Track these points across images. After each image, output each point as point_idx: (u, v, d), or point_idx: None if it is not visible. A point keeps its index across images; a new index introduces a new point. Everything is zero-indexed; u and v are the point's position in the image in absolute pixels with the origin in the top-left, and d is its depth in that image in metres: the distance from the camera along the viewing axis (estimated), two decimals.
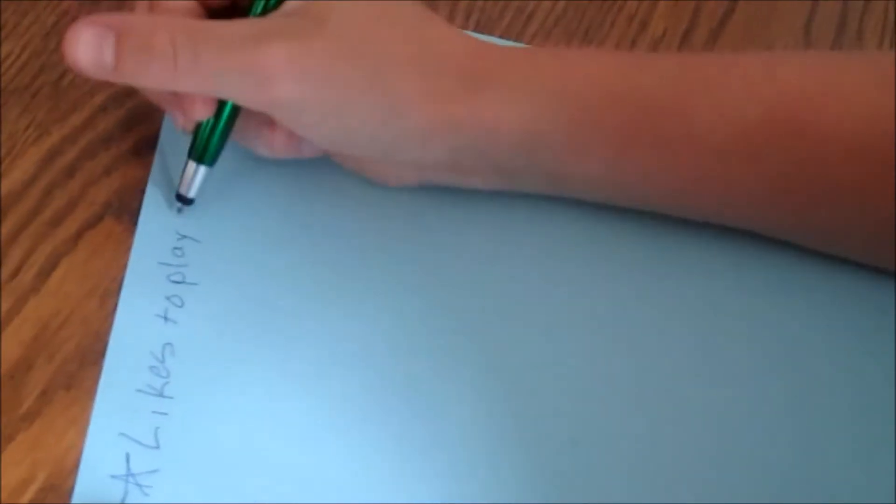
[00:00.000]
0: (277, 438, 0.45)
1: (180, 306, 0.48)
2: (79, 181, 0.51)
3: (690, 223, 0.51)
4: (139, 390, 0.45)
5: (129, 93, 0.54)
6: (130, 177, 0.51)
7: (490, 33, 0.59)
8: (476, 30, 0.59)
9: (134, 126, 0.53)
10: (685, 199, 0.50)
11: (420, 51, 0.47)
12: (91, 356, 0.46)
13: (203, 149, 0.49)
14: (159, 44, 0.44)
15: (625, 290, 0.51)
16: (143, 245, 0.49)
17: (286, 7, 0.46)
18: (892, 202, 0.47)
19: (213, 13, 0.48)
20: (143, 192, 0.51)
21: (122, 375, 0.46)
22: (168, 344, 0.47)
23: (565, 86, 0.48)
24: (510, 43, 0.59)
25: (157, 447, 0.44)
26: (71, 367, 0.46)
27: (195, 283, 0.48)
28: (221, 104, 0.48)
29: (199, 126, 0.48)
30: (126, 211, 0.50)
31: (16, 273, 0.48)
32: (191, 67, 0.44)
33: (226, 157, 0.50)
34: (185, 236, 0.50)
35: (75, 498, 0.43)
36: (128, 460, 0.44)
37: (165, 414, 0.45)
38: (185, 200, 0.50)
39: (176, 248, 0.49)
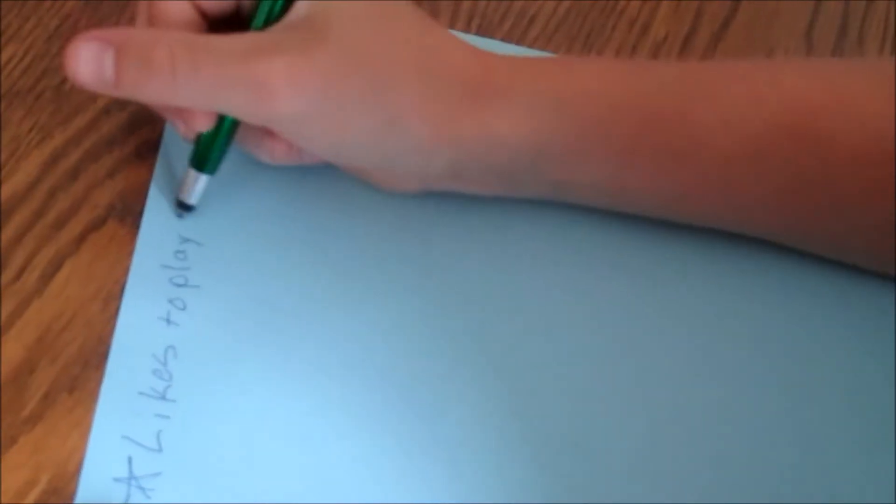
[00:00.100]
0: (279, 441, 0.45)
1: (183, 309, 0.48)
2: (82, 184, 0.51)
3: (692, 228, 0.52)
4: (142, 393, 0.45)
5: None
6: (133, 179, 0.52)
7: (491, 37, 0.59)
8: (478, 34, 0.59)
9: (137, 129, 0.53)
10: (688, 205, 0.50)
11: (422, 64, 0.47)
12: (94, 359, 0.46)
13: (204, 158, 0.49)
14: (158, 58, 0.44)
15: (626, 293, 0.51)
16: (146, 248, 0.49)
17: (287, 20, 0.46)
18: (893, 210, 0.47)
19: (214, 26, 0.48)
20: (146, 194, 0.51)
21: (124, 378, 0.46)
22: (170, 347, 0.47)
23: (568, 96, 0.48)
24: (512, 47, 0.59)
25: (160, 450, 0.44)
26: (74, 370, 0.46)
27: (198, 286, 0.49)
28: (222, 115, 0.48)
29: (200, 135, 0.48)
30: (129, 213, 0.50)
31: (19, 275, 0.48)
32: (190, 82, 0.44)
33: (228, 161, 0.50)
34: (187, 239, 0.50)
35: (78, 500, 0.43)
36: (130, 463, 0.44)
37: (168, 417, 0.45)
38: (185, 207, 0.50)
39: (178, 251, 0.49)
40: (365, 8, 0.47)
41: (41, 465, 0.44)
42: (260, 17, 0.47)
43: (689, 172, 0.49)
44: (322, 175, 0.52)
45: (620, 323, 0.50)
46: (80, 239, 0.50)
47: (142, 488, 0.43)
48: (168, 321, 0.47)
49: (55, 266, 0.49)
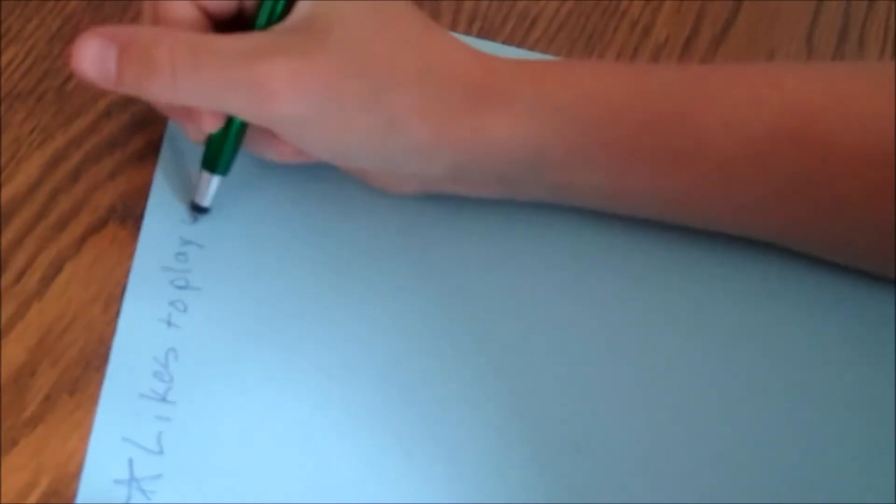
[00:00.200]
0: (281, 443, 0.45)
1: (184, 311, 0.48)
2: (83, 185, 0.51)
3: (692, 230, 0.52)
4: (142, 395, 0.45)
5: (134, 98, 0.53)
6: (135, 181, 0.52)
7: (493, 39, 0.59)
8: (479, 36, 0.59)
9: (138, 131, 0.53)
10: (688, 208, 0.50)
11: (423, 66, 0.47)
12: (95, 361, 0.46)
13: (215, 159, 0.49)
14: (159, 57, 0.44)
15: (627, 295, 0.51)
16: (147, 250, 0.49)
17: (289, 21, 0.46)
18: (894, 213, 0.47)
19: (218, 26, 0.48)
20: (147, 196, 0.51)
21: (125, 380, 0.46)
22: (171, 349, 0.47)
23: (569, 100, 0.48)
24: (513, 49, 0.59)
25: (161, 452, 0.44)
26: (75, 372, 0.46)
27: (198, 288, 0.49)
28: (231, 116, 0.48)
29: (210, 137, 0.48)
30: (130, 215, 0.50)
31: (20, 277, 0.48)
32: (190, 82, 0.44)
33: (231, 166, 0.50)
34: (188, 241, 0.50)
35: (79, 502, 0.43)
36: (131, 465, 0.44)
37: (168, 419, 0.45)
38: (200, 209, 0.50)
39: (179, 252, 0.49)
40: (366, 9, 0.47)
41: (42, 467, 0.44)
42: (262, 18, 0.47)
43: (690, 174, 0.49)
44: (322, 177, 0.52)
45: (621, 324, 0.50)
46: (81, 241, 0.50)
47: (142, 490, 0.43)
48: (169, 323, 0.47)
49: (56, 268, 0.49)
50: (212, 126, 0.48)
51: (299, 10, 0.46)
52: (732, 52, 0.61)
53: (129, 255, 0.49)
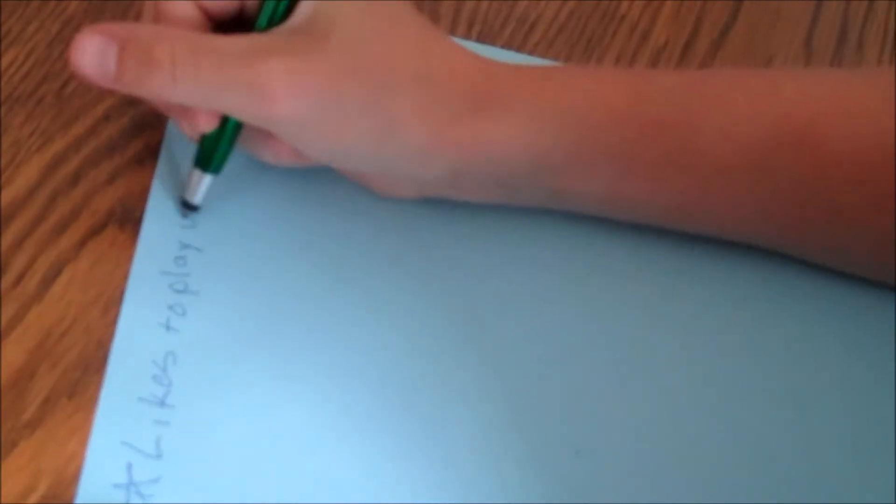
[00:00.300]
0: (279, 447, 0.45)
1: (182, 315, 0.48)
2: (82, 189, 0.51)
3: (691, 235, 0.52)
4: (141, 399, 0.45)
5: (133, 101, 0.54)
6: (134, 185, 0.52)
7: (492, 44, 0.59)
8: (478, 40, 0.59)
9: (137, 134, 0.53)
10: (687, 214, 0.50)
11: (423, 70, 0.47)
12: (94, 364, 0.46)
13: (208, 158, 0.49)
14: (159, 56, 0.44)
15: (627, 301, 0.51)
16: (146, 254, 0.49)
17: (290, 22, 0.46)
18: (892, 221, 0.47)
19: (218, 26, 0.48)
20: (146, 200, 0.51)
21: (124, 384, 0.46)
22: (170, 352, 0.47)
23: (568, 106, 0.48)
24: (512, 54, 0.59)
25: (159, 456, 0.44)
26: (74, 376, 0.46)
27: (197, 292, 0.49)
28: (226, 115, 0.48)
29: (204, 135, 0.48)
30: (129, 219, 0.51)
31: (19, 280, 0.48)
32: (189, 81, 0.44)
33: (228, 167, 0.50)
34: (187, 245, 0.50)
35: None
36: (129, 469, 0.44)
37: (167, 423, 0.45)
38: (190, 207, 0.50)
39: (178, 256, 0.50)
40: (367, 12, 0.47)
41: (41, 471, 0.44)
42: (263, 18, 0.47)
43: (688, 181, 0.49)
44: (322, 181, 0.52)
45: (620, 329, 0.50)
46: (81, 244, 0.50)
47: (141, 494, 0.43)
48: (168, 327, 0.47)
49: (55, 271, 0.49)
50: (207, 125, 0.48)
51: (300, 12, 0.46)
52: (731, 56, 0.61)
53: (129, 259, 0.49)
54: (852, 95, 0.49)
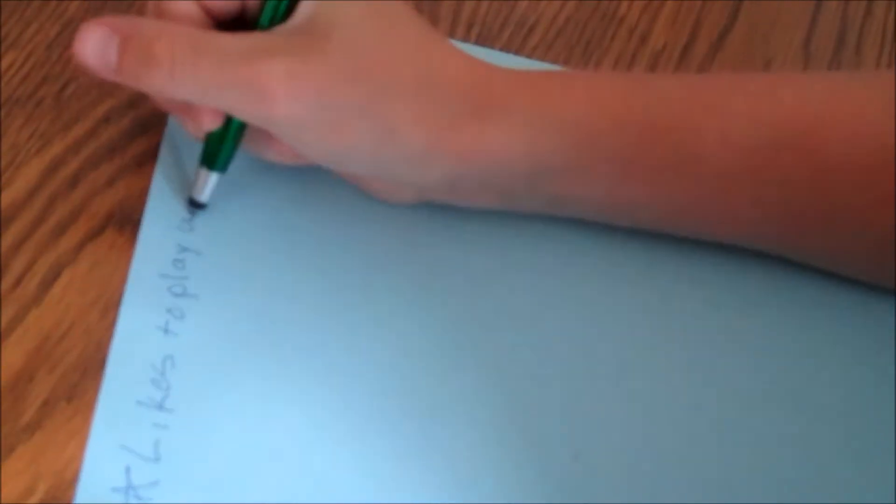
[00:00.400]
0: (278, 451, 0.45)
1: (181, 318, 0.48)
2: (81, 192, 0.51)
3: (690, 240, 0.52)
4: (140, 402, 0.46)
5: (132, 104, 0.54)
6: (133, 188, 0.52)
7: (491, 46, 0.59)
8: (477, 42, 0.59)
9: (136, 137, 0.53)
10: (686, 219, 0.50)
11: (423, 74, 0.47)
12: (93, 367, 0.46)
13: (213, 156, 0.49)
14: (159, 51, 0.44)
15: (626, 305, 0.51)
16: (144, 257, 0.49)
17: (291, 23, 0.46)
18: (892, 225, 0.48)
19: (220, 25, 0.48)
20: (145, 203, 0.51)
21: (122, 387, 0.46)
22: (169, 356, 0.47)
23: (567, 111, 0.48)
24: (511, 56, 0.59)
25: (157, 459, 0.44)
26: (72, 379, 0.46)
27: (196, 296, 0.49)
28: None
29: (210, 134, 0.49)
30: (128, 222, 0.51)
31: (18, 283, 0.48)
32: (188, 78, 0.45)
33: (228, 172, 0.50)
34: (186, 248, 0.50)
35: None
36: (128, 473, 0.44)
37: (165, 426, 0.45)
38: (197, 205, 0.50)
39: (177, 259, 0.50)
40: (369, 15, 0.47)
41: (39, 474, 0.44)
42: (265, 18, 0.47)
43: (688, 186, 0.49)
44: (321, 185, 0.52)
45: (619, 333, 0.50)
46: (80, 247, 0.50)
47: (139, 497, 0.43)
48: (166, 331, 0.47)
49: (54, 274, 0.49)
50: (211, 123, 0.48)
51: (301, 12, 0.46)
52: (730, 59, 0.61)
53: (127, 262, 0.49)
54: (851, 99, 0.49)
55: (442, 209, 0.51)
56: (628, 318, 0.51)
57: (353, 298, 0.50)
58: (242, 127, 0.49)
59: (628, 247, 0.52)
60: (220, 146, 0.49)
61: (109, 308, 0.48)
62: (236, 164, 0.50)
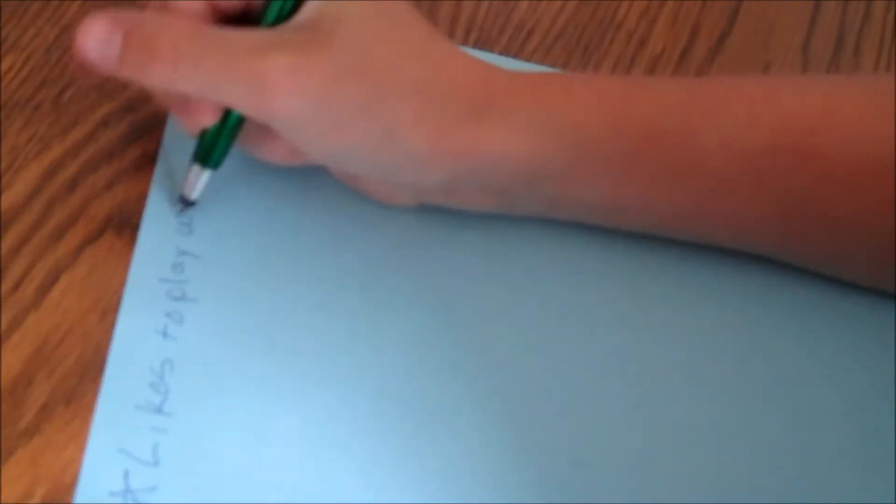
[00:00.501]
0: (277, 455, 0.45)
1: (180, 322, 0.48)
2: (80, 195, 0.51)
3: (690, 244, 0.52)
4: (138, 406, 0.45)
5: (131, 108, 0.54)
6: (132, 191, 0.52)
7: (490, 50, 0.59)
8: (476, 46, 0.59)
9: (135, 140, 0.53)
10: (685, 223, 0.50)
11: (424, 75, 0.47)
12: (91, 371, 0.46)
13: (208, 153, 0.49)
14: (162, 45, 0.45)
15: (625, 309, 0.51)
16: (143, 261, 0.49)
17: (296, 20, 0.46)
18: (892, 229, 0.48)
19: (225, 21, 0.48)
20: (144, 206, 0.51)
21: (121, 391, 0.46)
22: (167, 360, 0.47)
23: (568, 115, 0.48)
24: (510, 60, 0.59)
25: (156, 463, 0.44)
26: (71, 383, 0.46)
27: (195, 300, 0.49)
28: (228, 109, 0.48)
29: (204, 130, 0.49)
30: (127, 226, 0.50)
31: (16, 287, 0.48)
32: (191, 71, 0.45)
33: (227, 174, 0.50)
34: (185, 252, 0.50)
35: None
36: (126, 477, 0.44)
37: (164, 430, 0.45)
38: (187, 203, 0.50)
39: (176, 263, 0.50)
40: (373, 14, 0.47)
41: (38, 478, 0.44)
42: (270, 14, 0.47)
43: (687, 190, 0.49)
44: (320, 188, 0.52)
45: (619, 338, 0.50)
46: (78, 250, 0.50)
47: (138, 501, 0.43)
48: (165, 334, 0.47)
49: (53, 277, 0.49)
50: (208, 119, 0.48)
51: (306, 10, 0.46)
52: (728, 63, 0.61)
53: (126, 266, 0.49)
54: (850, 103, 0.49)
55: (441, 211, 0.51)
56: (627, 322, 0.51)
57: (352, 302, 0.50)
58: (239, 124, 0.48)
59: (627, 250, 0.52)
60: (215, 143, 0.49)
61: (108, 312, 0.48)
62: (235, 167, 0.50)
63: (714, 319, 0.51)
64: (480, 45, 0.60)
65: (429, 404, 0.47)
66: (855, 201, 0.48)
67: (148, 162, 0.52)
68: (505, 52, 0.60)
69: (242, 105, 0.46)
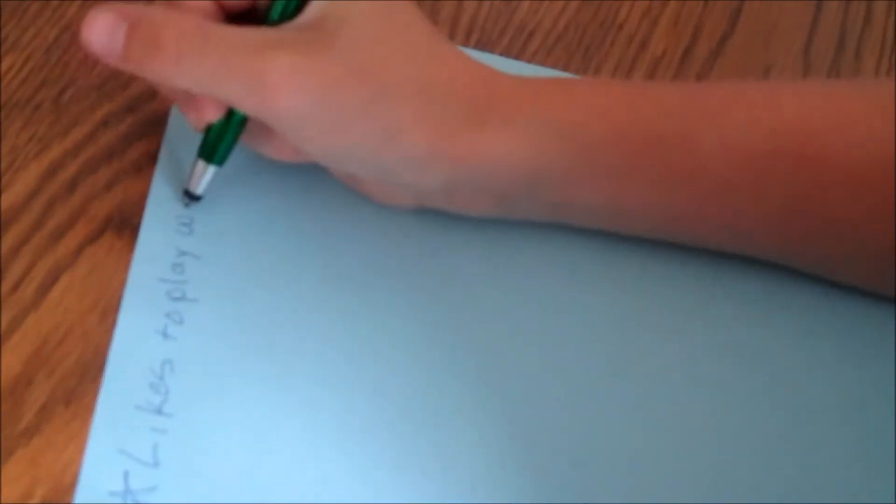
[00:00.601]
0: (277, 456, 0.45)
1: (180, 323, 0.48)
2: (80, 196, 0.51)
3: (690, 248, 0.52)
4: (138, 407, 0.45)
5: (131, 108, 0.54)
6: (132, 192, 0.52)
7: (490, 52, 0.59)
8: (477, 47, 0.59)
9: (135, 141, 0.53)
10: (686, 226, 0.50)
11: (426, 79, 0.47)
12: (91, 372, 0.46)
13: (213, 149, 0.49)
14: (165, 39, 0.45)
15: (625, 312, 0.51)
16: (144, 260, 0.49)
17: (301, 19, 0.46)
18: (892, 233, 0.47)
19: (230, 19, 0.48)
20: (144, 207, 0.51)
21: (121, 392, 0.46)
22: (167, 360, 0.47)
23: (569, 120, 0.48)
24: (511, 62, 0.59)
25: (156, 464, 0.44)
26: (71, 383, 0.46)
27: (195, 300, 0.49)
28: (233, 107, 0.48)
29: (210, 126, 0.49)
30: (127, 226, 0.50)
31: (16, 287, 0.48)
32: (193, 65, 0.45)
33: (227, 174, 0.50)
34: (185, 252, 0.50)
35: None
36: (126, 477, 0.44)
37: (164, 431, 0.45)
38: (193, 197, 0.50)
39: (176, 263, 0.49)
40: (378, 15, 0.47)
41: (37, 478, 0.44)
42: (275, 12, 0.47)
43: (688, 195, 0.49)
44: (321, 188, 0.52)
45: (618, 340, 0.50)
46: (78, 251, 0.50)
47: (137, 502, 0.43)
48: (165, 335, 0.47)
49: (52, 278, 0.49)
50: (213, 115, 0.48)
51: (311, 9, 0.46)
52: (730, 65, 0.61)
53: (126, 266, 0.49)
54: (850, 106, 0.49)
55: (442, 213, 0.51)
56: (627, 324, 0.51)
57: (352, 302, 0.49)
58: (243, 121, 0.48)
59: (628, 251, 0.52)
60: (220, 140, 0.49)
61: (108, 312, 0.48)
62: (237, 167, 0.50)
63: (714, 322, 0.51)
64: (481, 45, 0.60)
65: (428, 404, 0.47)
66: (855, 205, 0.48)
67: (148, 162, 0.52)
68: (506, 53, 0.60)
69: (243, 103, 0.46)
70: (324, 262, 0.51)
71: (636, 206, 0.49)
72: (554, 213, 0.51)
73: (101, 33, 0.45)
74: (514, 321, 0.50)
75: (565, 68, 0.60)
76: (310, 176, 0.51)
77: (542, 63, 0.60)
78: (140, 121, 0.54)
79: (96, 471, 0.44)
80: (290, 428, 0.46)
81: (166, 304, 0.48)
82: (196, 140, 0.50)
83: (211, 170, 0.50)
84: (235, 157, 0.50)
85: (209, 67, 0.45)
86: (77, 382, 0.46)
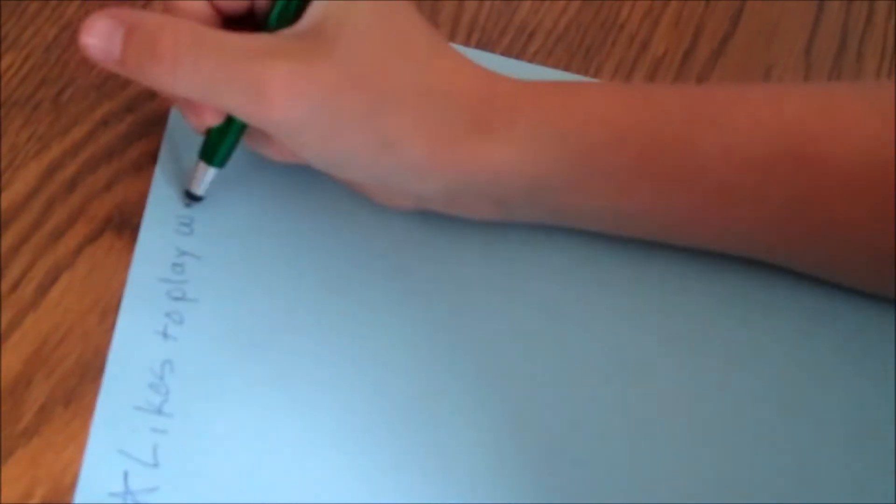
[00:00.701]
0: (276, 456, 0.45)
1: (180, 323, 0.48)
2: (79, 195, 0.51)
3: (690, 250, 0.52)
4: (138, 407, 0.45)
5: (130, 107, 0.54)
6: (131, 191, 0.51)
7: (491, 51, 0.59)
8: (477, 47, 0.59)
9: (135, 140, 0.53)
10: (687, 229, 0.50)
11: (425, 86, 0.47)
12: (91, 372, 0.46)
13: (213, 151, 0.49)
14: (162, 45, 0.45)
15: (625, 314, 0.51)
16: (143, 260, 0.49)
17: (299, 26, 0.46)
18: (892, 235, 0.47)
19: (228, 24, 0.48)
20: (143, 206, 0.51)
21: (121, 392, 0.46)
22: (167, 360, 0.47)
23: (569, 126, 0.48)
24: (512, 62, 0.59)
25: (156, 465, 0.44)
26: (70, 383, 0.46)
27: (195, 300, 0.48)
28: None
29: (211, 129, 0.48)
30: (127, 226, 0.50)
31: (15, 287, 0.48)
32: (189, 72, 0.44)
33: (227, 175, 0.50)
34: (185, 252, 0.50)
35: None
36: (126, 478, 0.43)
37: (164, 431, 0.45)
38: (194, 198, 0.50)
39: (176, 264, 0.49)
40: (379, 22, 0.46)
41: (37, 479, 0.43)
42: (273, 17, 0.47)
43: (689, 199, 0.49)
44: (322, 189, 0.52)
45: (618, 342, 0.50)
46: (78, 250, 0.49)
47: (137, 502, 0.43)
48: (165, 335, 0.47)
49: (52, 278, 0.49)
50: (213, 120, 0.48)
51: (310, 15, 0.46)
52: (731, 66, 0.61)
53: (126, 266, 0.49)
54: (851, 109, 0.49)
55: (443, 215, 0.51)
56: (628, 326, 0.50)
57: (352, 303, 0.49)
58: (243, 125, 0.48)
59: (628, 253, 0.52)
60: (221, 142, 0.49)
61: (108, 312, 0.48)
62: (237, 167, 0.50)
63: (715, 323, 0.51)
64: (482, 46, 0.60)
65: (428, 405, 0.47)
66: (856, 207, 0.48)
67: (148, 162, 0.52)
68: (506, 54, 0.60)
69: (240, 110, 0.46)
70: (324, 263, 0.50)
71: (637, 210, 0.49)
72: (555, 217, 0.51)
73: (99, 38, 0.45)
74: (513, 322, 0.50)
75: (566, 68, 0.60)
76: (310, 176, 0.51)
77: (543, 63, 0.60)
78: (140, 120, 0.53)
79: (96, 471, 0.44)
80: (290, 428, 0.46)
81: (166, 304, 0.48)
82: (196, 139, 0.49)
83: (212, 171, 0.50)
84: (236, 158, 0.50)
85: (206, 75, 0.44)
86: (77, 383, 0.46)
